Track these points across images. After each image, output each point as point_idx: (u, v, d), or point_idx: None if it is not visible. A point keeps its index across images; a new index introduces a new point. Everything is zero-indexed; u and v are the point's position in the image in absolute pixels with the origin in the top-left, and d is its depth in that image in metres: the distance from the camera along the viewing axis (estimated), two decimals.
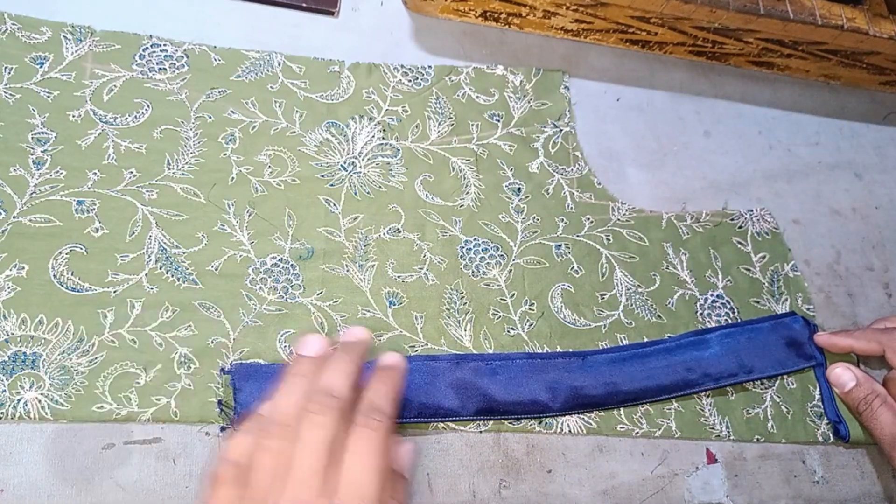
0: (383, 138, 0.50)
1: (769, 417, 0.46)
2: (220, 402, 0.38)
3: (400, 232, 0.47)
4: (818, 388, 0.48)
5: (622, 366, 0.45)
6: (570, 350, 0.45)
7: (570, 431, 0.43)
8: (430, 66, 0.54)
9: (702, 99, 0.60)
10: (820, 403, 0.48)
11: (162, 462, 0.37)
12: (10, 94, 0.44)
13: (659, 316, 0.48)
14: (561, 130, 0.54)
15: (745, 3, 0.53)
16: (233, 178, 0.46)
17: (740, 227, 0.54)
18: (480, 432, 0.42)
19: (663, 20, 0.55)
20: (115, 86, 0.46)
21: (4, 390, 0.37)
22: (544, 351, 0.45)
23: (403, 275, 0.45)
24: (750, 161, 0.58)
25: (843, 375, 0.47)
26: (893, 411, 0.44)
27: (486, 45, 0.56)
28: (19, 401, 0.37)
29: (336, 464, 0.29)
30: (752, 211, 0.55)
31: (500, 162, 0.51)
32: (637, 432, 0.44)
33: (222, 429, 0.38)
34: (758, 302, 0.51)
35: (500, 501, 0.40)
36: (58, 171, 0.43)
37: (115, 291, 0.41)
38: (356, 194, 0.47)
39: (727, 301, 0.50)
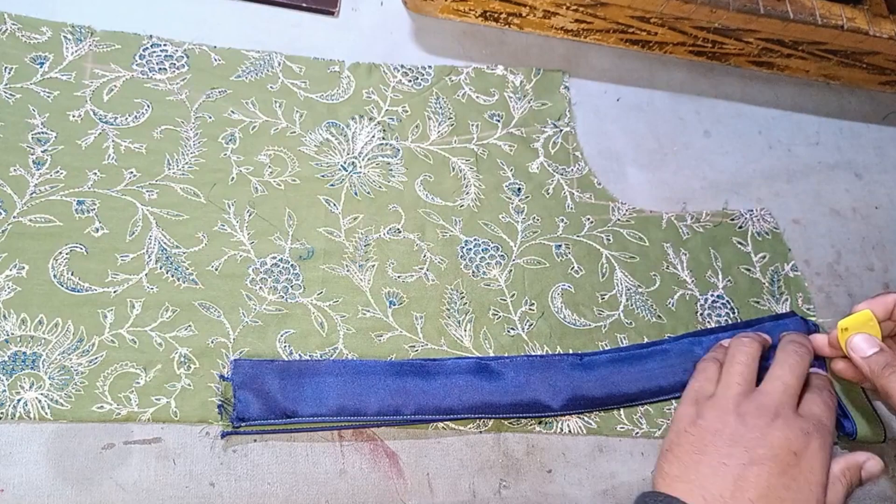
0: (383, 138, 0.50)
1: None
2: (220, 406, 0.38)
3: (400, 232, 0.47)
4: None
5: (621, 367, 0.45)
6: (570, 352, 0.45)
7: (570, 431, 0.43)
8: (430, 67, 0.54)
9: (702, 99, 0.60)
10: None
11: (162, 462, 0.37)
12: (10, 94, 0.44)
13: (659, 316, 0.48)
14: (561, 130, 0.54)
15: (745, 3, 0.53)
16: (233, 178, 0.46)
17: (740, 227, 0.54)
18: (480, 432, 0.42)
19: (663, 20, 0.55)
20: (115, 86, 0.46)
21: (4, 390, 0.37)
22: (545, 351, 0.45)
23: (403, 275, 0.45)
24: (750, 161, 0.58)
25: (866, 340, 0.44)
26: None
27: (486, 45, 0.56)
28: (19, 401, 0.37)
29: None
30: (752, 211, 0.55)
31: (500, 162, 0.51)
32: (637, 432, 0.44)
33: (223, 434, 0.38)
34: (758, 302, 0.51)
35: (500, 501, 0.40)
36: (58, 171, 0.43)
37: (115, 291, 0.41)
38: (356, 194, 0.47)
39: (727, 301, 0.50)
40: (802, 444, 0.38)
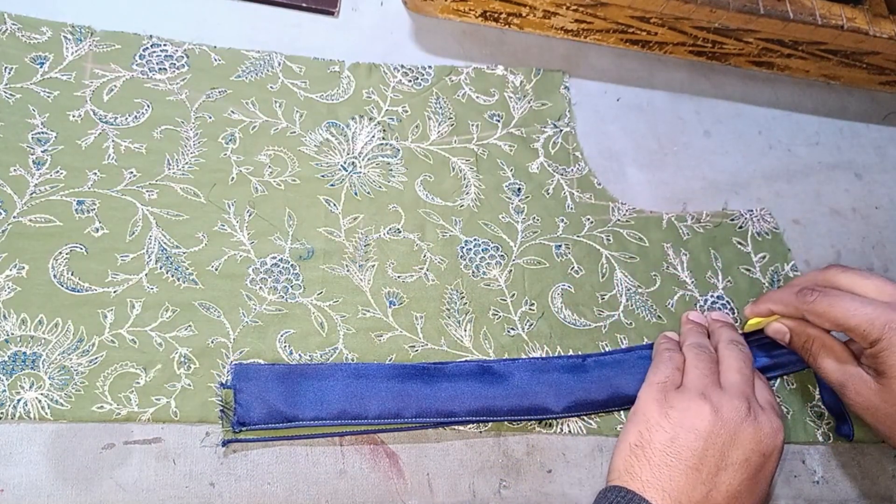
0: (383, 138, 0.50)
1: None
2: (222, 410, 0.38)
3: (400, 232, 0.47)
4: (818, 389, 0.48)
5: (623, 368, 0.45)
6: (570, 353, 0.45)
7: (570, 432, 0.43)
8: (430, 67, 0.54)
9: (702, 99, 0.60)
10: (820, 404, 0.48)
11: (162, 462, 0.37)
12: (10, 94, 0.44)
13: (659, 317, 0.48)
14: (561, 131, 0.54)
15: (745, 3, 0.53)
16: (233, 178, 0.46)
17: (740, 228, 0.54)
18: (480, 433, 0.42)
19: (663, 20, 0.55)
20: (115, 86, 0.46)
21: (4, 390, 0.37)
22: (545, 351, 0.45)
23: (403, 275, 0.45)
24: (750, 161, 0.58)
25: (779, 329, 0.45)
26: (834, 354, 0.43)
27: (486, 45, 0.56)
28: (19, 401, 0.37)
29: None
30: (752, 211, 0.55)
31: (500, 162, 0.51)
32: None
33: (224, 443, 0.38)
34: None
35: (500, 501, 0.40)
36: (58, 171, 0.43)
37: (115, 291, 0.41)
38: (356, 194, 0.47)
39: (727, 302, 0.50)
40: (771, 445, 0.39)
